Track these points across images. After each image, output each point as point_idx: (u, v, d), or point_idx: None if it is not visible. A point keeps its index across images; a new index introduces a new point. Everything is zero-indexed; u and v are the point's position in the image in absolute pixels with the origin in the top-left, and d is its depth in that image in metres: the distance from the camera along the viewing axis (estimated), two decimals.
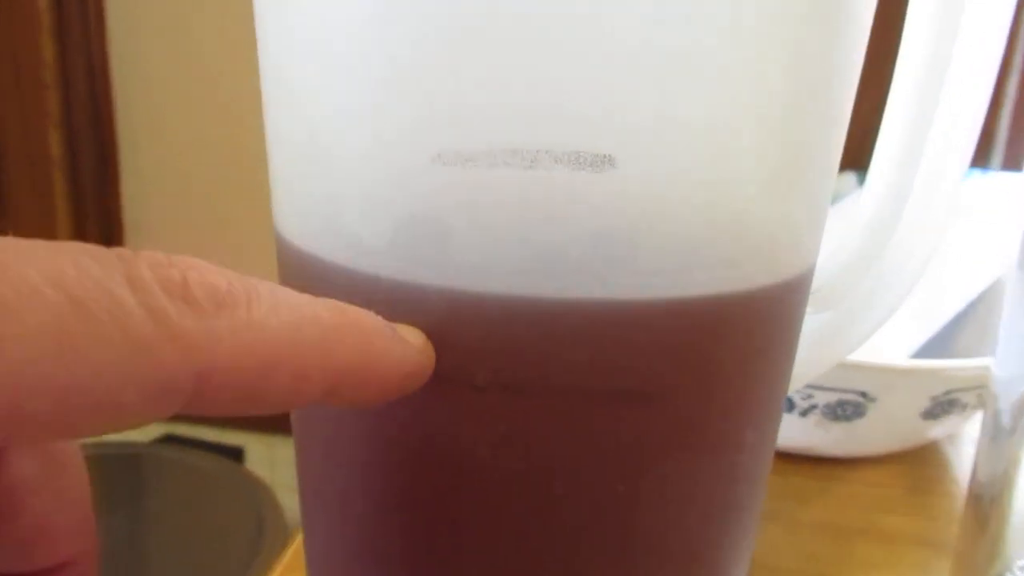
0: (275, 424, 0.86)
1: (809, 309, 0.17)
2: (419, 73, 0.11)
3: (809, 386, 0.26)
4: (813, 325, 0.18)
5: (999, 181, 0.47)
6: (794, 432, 0.28)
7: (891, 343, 0.30)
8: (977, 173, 0.48)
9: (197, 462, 0.72)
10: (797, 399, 0.26)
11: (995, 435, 0.21)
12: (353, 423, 0.14)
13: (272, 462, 0.87)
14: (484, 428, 0.13)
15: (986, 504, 0.21)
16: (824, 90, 0.12)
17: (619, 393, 0.12)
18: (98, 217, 0.87)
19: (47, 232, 0.84)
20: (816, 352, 0.18)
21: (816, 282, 0.18)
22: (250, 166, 0.85)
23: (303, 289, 0.14)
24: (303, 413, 0.15)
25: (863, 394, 0.26)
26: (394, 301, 0.12)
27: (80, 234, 0.86)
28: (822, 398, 0.26)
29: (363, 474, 0.14)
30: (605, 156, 0.11)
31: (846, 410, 0.26)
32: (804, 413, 0.27)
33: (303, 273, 0.14)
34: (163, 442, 0.79)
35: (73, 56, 0.81)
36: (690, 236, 0.12)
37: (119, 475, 0.74)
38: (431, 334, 0.12)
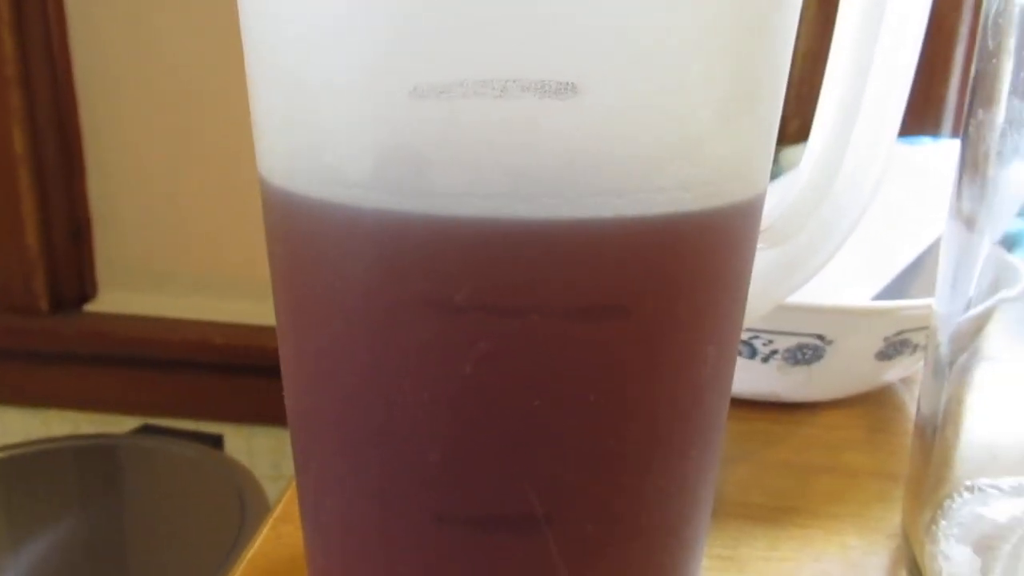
0: (253, 414, 0.86)
1: (761, 245, 0.19)
2: (393, 10, 0.12)
3: (769, 331, 0.27)
4: (765, 261, 0.19)
5: (948, 147, 0.49)
6: (757, 379, 0.29)
7: (851, 291, 0.32)
8: (928, 140, 0.50)
9: (176, 449, 0.73)
10: (759, 345, 0.28)
11: (936, 368, 0.22)
12: (342, 351, 0.15)
13: (250, 452, 0.88)
14: (466, 347, 0.14)
15: (930, 434, 0.22)
16: (767, 25, 0.14)
17: (588, 309, 0.14)
18: (65, 212, 0.86)
19: (15, 228, 0.83)
20: (769, 286, 0.19)
21: (767, 221, 0.19)
22: (215, 156, 0.85)
23: (289, 227, 0.15)
24: (291, 342, 0.16)
25: (820, 337, 0.27)
26: (376, 230, 0.13)
27: (47, 229, 0.85)
28: (782, 343, 0.27)
29: (352, 398, 0.15)
30: (568, 84, 0.12)
31: (805, 354, 0.28)
32: (766, 359, 0.28)
33: (289, 213, 0.15)
34: (140, 432, 0.79)
35: (34, 50, 0.80)
36: (649, 159, 0.13)
37: (97, 466, 0.74)
38: (412, 260, 0.13)
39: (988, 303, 0.21)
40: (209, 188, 0.86)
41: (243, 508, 0.61)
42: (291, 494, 0.24)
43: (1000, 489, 0.22)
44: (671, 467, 0.16)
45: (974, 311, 0.20)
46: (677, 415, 0.15)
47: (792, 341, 0.27)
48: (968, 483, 0.22)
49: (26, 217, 0.83)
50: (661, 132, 0.13)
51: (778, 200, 0.20)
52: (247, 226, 0.86)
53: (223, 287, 0.88)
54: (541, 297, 0.13)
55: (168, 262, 0.90)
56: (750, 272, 0.16)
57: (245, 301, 0.87)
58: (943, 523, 0.21)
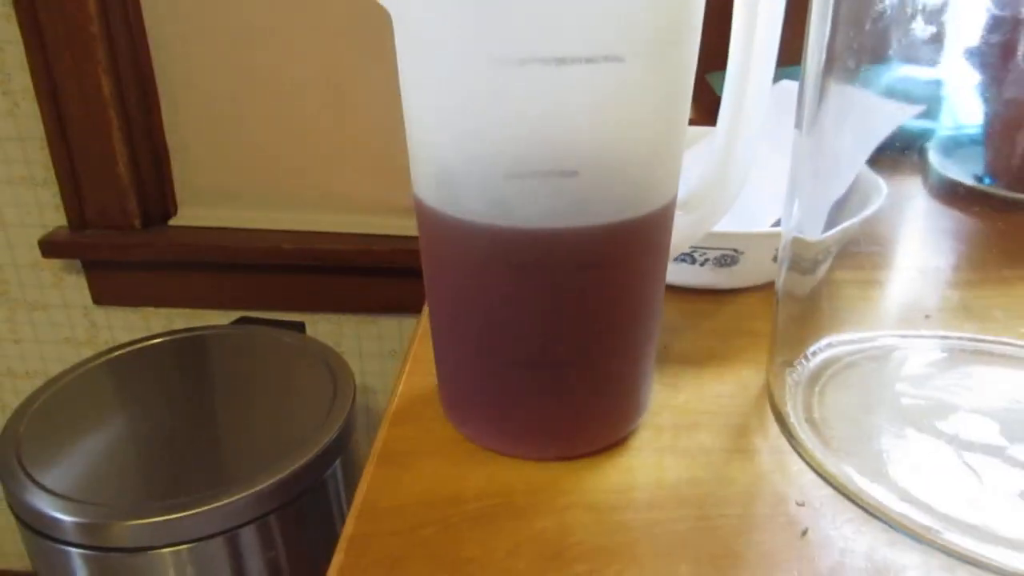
0: (332, 304, 1.01)
1: (680, 213, 0.32)
2: (493, 134, 0.25)
3: (704, 247, 0.41)
4: (684, 221, 0.33)
5: None
6: (697, 276, 0.43)
7: (765, 215, 0.45)
8: None
9: (270, 334, 0.87)
10: (697, 256, 0.42)
11: (780, 265, 0.36)
12: (460, 286, 0.29)
13: (315, 335, 1.03)
14: (524, 281, 0.28)
15: (775, 307, 0.36)
16: (678, 115, 0.27)
17: (583, 265, 0.27)
18: (147, 144, 0.99)
19: (109, 161, 0.96)
20: (686, 234, 0.33)
21: (687, 196, 0.33)
22: (268, 90, 0.97)
23: (433, 229, 0.29)
24: (433, 283, 0.30)
25: (735, 250, 0.41)
26: (483, 234, 0.27)
27: (134, 160, 0.98)
28: (712, 254, 0.41)
29: (466, 308, 0.29)
30: (573, 171, 0.26)
31: (727, 260, 0.42)
32: (702, 264, 0.42)
33: (434, 222, 0.28)
34: (236, 323, 0.94)
35: (112, 8, 0.91)
36: (618, 196, 0.26)
37: (200, 353, 0.86)
38: (501, 246, 0.27)
39: (791, 232, 0.34)
40: (266, 116, 0.98)
41: (334, 380, 0.76)
42: (411, 363, 0.39)
43: (816, 352, 0.36)
44: (631, 330, 0.30)
45: (796, 224, 0.33)
46: (632, 308, 0.29)
47: (718, 253, 0.41)
48: (801, 350, 0.36)
49: (117, 151, 0.96)
50: (625, 183, 0.26)
51: (694, 182, 0.34)
52: (300, 148, 0.99)
53: (283, 200, 1.02)
54: (562, 261, 0.27)
55: (235, 181, 1.03)
56: (670, 238, 0.30)
57: (303, 211, 1.01)
58: (788, 368, 0.36)
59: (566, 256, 0.27)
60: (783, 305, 0.35)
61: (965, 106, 0.35)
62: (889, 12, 0.30)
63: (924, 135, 0.36)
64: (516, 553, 0.27)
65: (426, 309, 0.43)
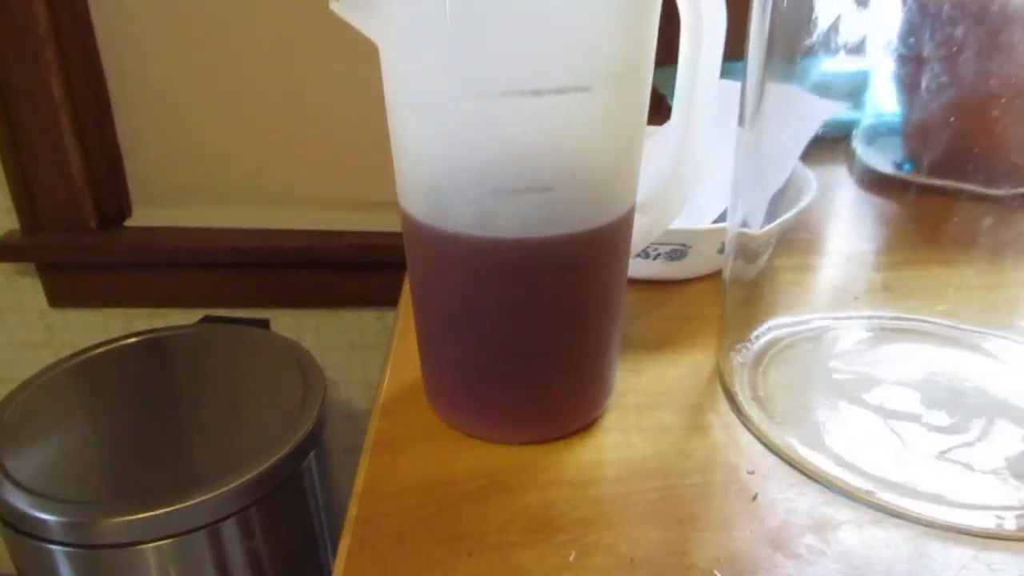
0: (291, 299, 1.02)
1: (638, 215, 0.36)
2: (478, 156, 0.28)
3: (655, 244, 0.45)
4: (641, 222, 0.36)
5: None
6: (650, 269, 0.46)
7: (702, 216, 0.49)
8: None
9: (237, 332, 0.88)
10: (649, 251, 0.45)
11: (727, 257, 0.40)
12: (445, 291, 0.31)
13: (283, 329, 1.04)
14: (506, 285, 0.30)
15: (724, 295, 0.40)
16: (637, 133, 0.30)
17: (560, 268, 0.30)
18: (100, 149, 0.98)
19: (63, 164, 0.95)
20: (643, 235, 0.36)
21: (643, 200, 0.36)
22: (220, 90, 0.97)
23: (420, 240, 0.31)
24: (419, 285, 0.33)
25: (683, 244, 0.45)
26: (467, 245, 0.30)
27: (88, 163, 0.97)
28: (663, 249, 0.45)
29: (448, 307, 0.32)
30: (548, 187, 0.28)
31: (676, 254, 0.45)
32: (654, 258, 0.46)
33: (419, 234, 0.31)
34: (203, 323, 0.94)
35: (60, 9, 0.90)
36: (587, 207, 0.29)
37: (172, 353, 0.86)
38: (485, 254, 0.30)
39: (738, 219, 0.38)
40: (219, 115, 0.98)
41: (304, 375, 0.77)
42: (393, 360, 0.42)
43: (759, 335, 0.40)
44: (596, 326, 0.33)
45: (740, 218, 0.37)
46: (601, 304, 0.33)
47: (668, 248, 0.45)
48: (746, 333, 0.40)
49: (71, 155, 0.95)
50: (593, 197, 0.29)
51: (649, 186, 0.37)
52: (255, 146, 1.00)
53: (239, 199, 1.02)
54: (539, 266, 0.30)
55: (190, 181, 1.03)
56: (630, 238, 0.33)
57: (259, 209, 1.02)
58: (734, 350, 0.40)
59: (543, 261, 0.30)
60: (730, 293, 0.39)
61: (885, 99, 0.39)
62: (818, 37, 0.34)
63: (848, 125, 0.39)
64: (507, 527, 0.30)
65: (400, 308, 0.46)
